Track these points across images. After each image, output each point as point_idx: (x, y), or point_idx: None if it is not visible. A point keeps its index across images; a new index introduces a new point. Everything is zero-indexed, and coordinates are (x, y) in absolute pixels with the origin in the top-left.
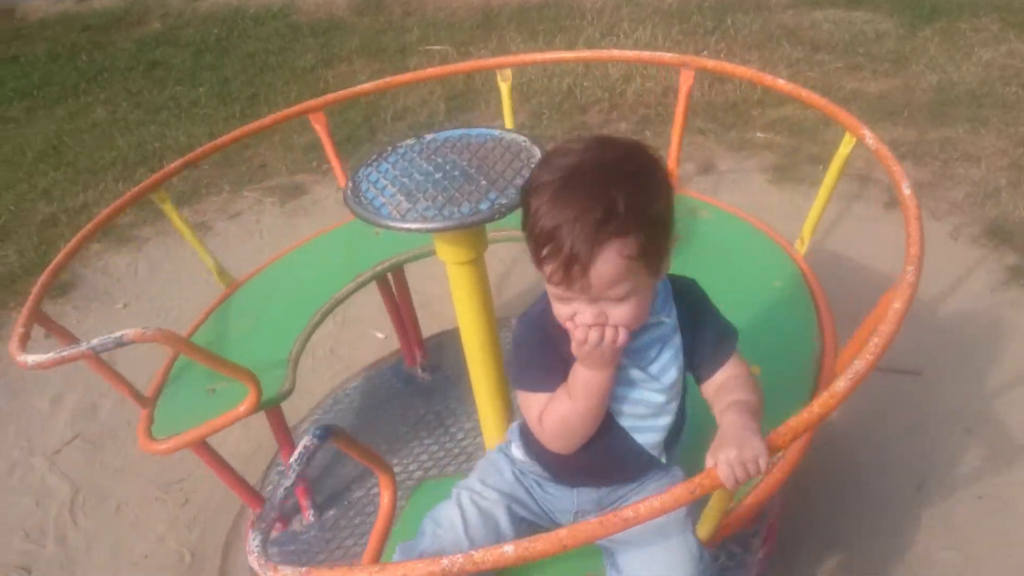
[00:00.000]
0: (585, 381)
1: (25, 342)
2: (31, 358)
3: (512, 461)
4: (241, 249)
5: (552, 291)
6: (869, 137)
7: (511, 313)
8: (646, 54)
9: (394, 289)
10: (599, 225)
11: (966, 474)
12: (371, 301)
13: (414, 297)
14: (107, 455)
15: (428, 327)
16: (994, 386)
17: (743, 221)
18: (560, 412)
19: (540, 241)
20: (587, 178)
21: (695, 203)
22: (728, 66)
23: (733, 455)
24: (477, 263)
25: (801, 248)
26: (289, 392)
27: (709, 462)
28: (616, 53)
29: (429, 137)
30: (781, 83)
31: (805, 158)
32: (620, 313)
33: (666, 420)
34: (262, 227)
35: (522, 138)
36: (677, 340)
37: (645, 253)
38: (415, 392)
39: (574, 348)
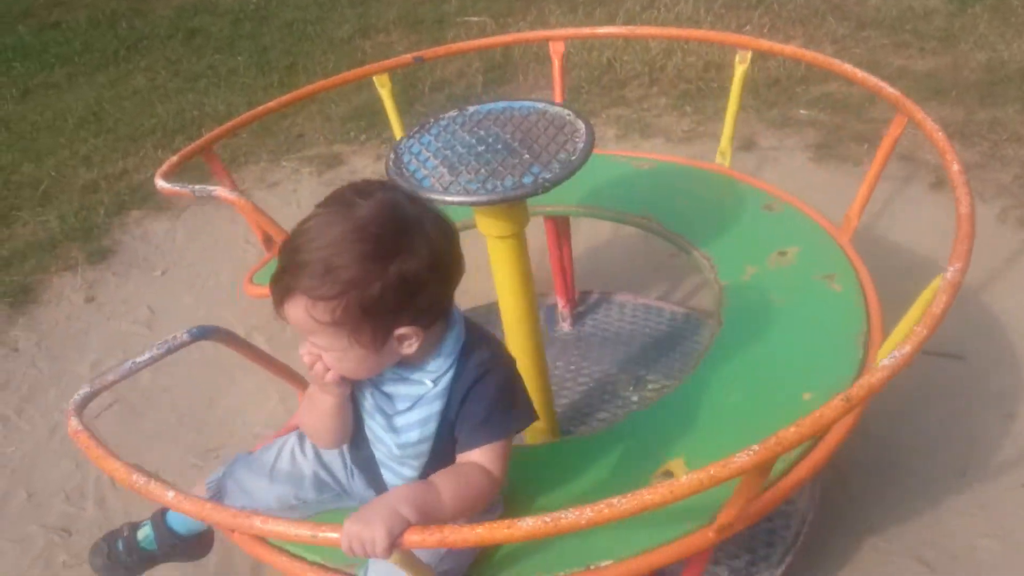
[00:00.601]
0: (310, 395)
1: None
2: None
3: None
4: (279, 218)
5: None
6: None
7: (550, 288)
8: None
9: None
10: (297, 276)
11: (1009, 461)
12: None
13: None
14: (145, 421)
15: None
16: None
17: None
18: (301, 416)
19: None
20: (333, 227)
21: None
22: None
23: (355, 530)
24: (518, 237)
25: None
26: None
27: (345, 524)
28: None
29: (472, 109)
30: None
31: (850, 136)
32: (326, 358)
33: (408, 472)
34: (299, 197)
35: (567, 112)
36: (437, 407)
37: (339, 324)
38: None
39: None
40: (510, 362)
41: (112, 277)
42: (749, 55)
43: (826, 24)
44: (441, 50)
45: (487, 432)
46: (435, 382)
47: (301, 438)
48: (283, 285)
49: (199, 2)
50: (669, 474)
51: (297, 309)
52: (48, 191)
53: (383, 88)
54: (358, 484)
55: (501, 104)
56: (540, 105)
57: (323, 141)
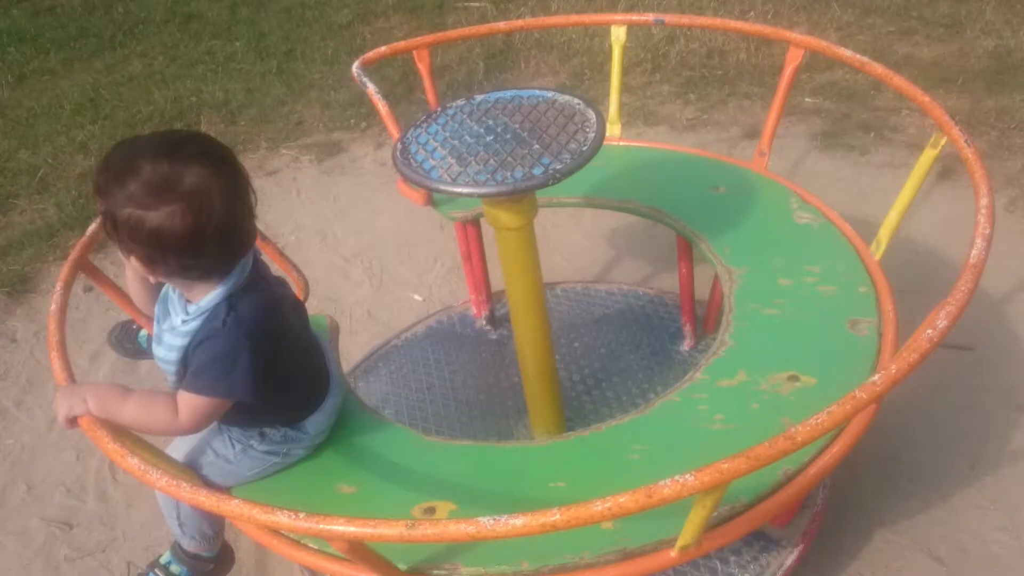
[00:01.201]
0: None
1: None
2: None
3: None
4: (279, 207)
5: None
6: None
7: (557, 278)
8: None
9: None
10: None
11: (1020, 454)
12: (410, 264)
13: (447, 261)
14: None
15: (460, 290)
16: None
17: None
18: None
19: None
20: (145, 149)
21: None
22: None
23: (56, 398)
24: (527, 228)
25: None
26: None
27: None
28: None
29: (480, 98)
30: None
31: (855, 124)
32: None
33: (168, 377)
34: (299, 185)
35: (576, 100)
36: (179, 342)
37: (118, 239)
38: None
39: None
40: (251, 339)
41: (110, 266)
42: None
43: (830, 11)
44: (685, 19)
45: (191, 382)
46: (184, 323)
47: None
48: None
49: None
50: None
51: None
52: (45, 179)
53: (616, 43)
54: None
55: (509, 92)
56: (549, 94)
57: (323, 128)
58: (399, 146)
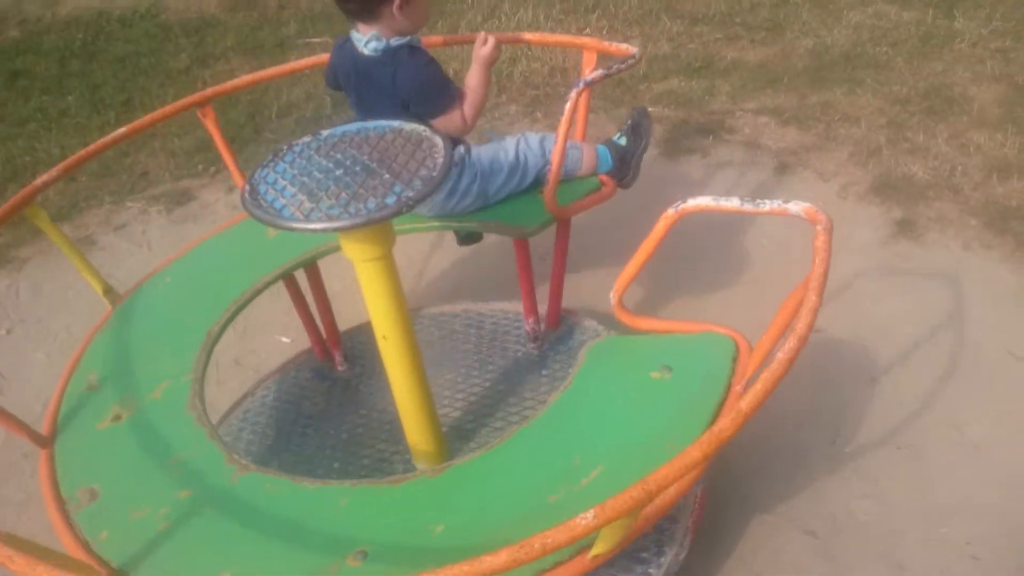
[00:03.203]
0: (485, 78)
1: None
2: None
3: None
4: (130, 262)
5: None
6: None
7: (423, 304)
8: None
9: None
10: None
11: (876, 424)
12: (272, 306)
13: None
14: None
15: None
16: (892, 336)
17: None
18: (475, 104)
19: None
20: None
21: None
22: None
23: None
24: (386, 258)
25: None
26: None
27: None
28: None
29: (326, 133)
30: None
31: (694, 129)
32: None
33: None
34: (150, 237)
35: (422, 128)
36: None
37: None
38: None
39: (484, 52)
40: None
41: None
42: None
43: (661, 23)
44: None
45: None
46: None
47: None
48: None
49: (20, 42)
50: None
51: None
52: None
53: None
54: None
55: (355, 125)
56: (395, 124)
57: (169, 177)
58: (247, 187)
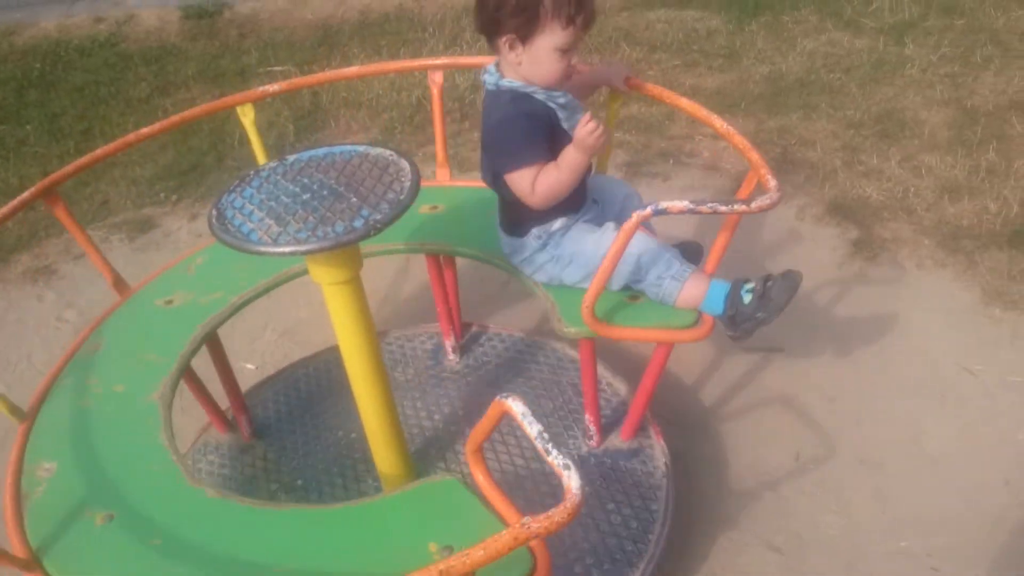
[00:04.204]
0: (577, 161)
1: None
2: None
3: (563, 231)
4: (91, 291)
5: (564, 44)
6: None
7: (390, 327)
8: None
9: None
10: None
11: (836, 440)
12: (239, 333)
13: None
14: None
15: (295, 354)
16: (850, 353)
17: None
18: (549, 182)
19: (575, 2)
20: None
21: None
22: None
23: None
24: (354, 282)
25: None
26: None
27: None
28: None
29: (292, 158)
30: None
31: (655, 153)
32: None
33: None
34: (111, 266)
35: (388, 152)
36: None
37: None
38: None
39: (587, 137)
40: None
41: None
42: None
43: (620, 50)
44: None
45: None
46: None
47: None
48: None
49: None
50: None
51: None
52: None
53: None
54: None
55: (322, 150)
56: (361, 148)
57: (131, 206)
58: (214, 212)
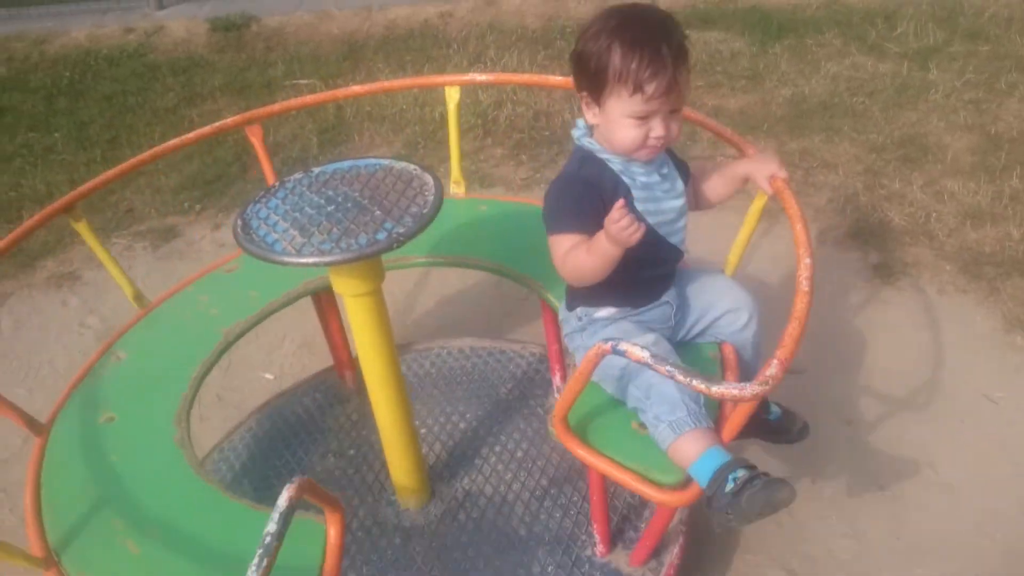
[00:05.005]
0: (605, 250)
1: None
2: None
3: (606, 322)
4: (114, 298)
5: (635, 111)
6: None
7: (410, 340)
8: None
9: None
10: (679, 49)
11: (854, 465)
12: (258, 343)
13: (296, 337)
14: None
15: (312, 365)
16: (869, 378)
17: None
18: (578, 261)
19: (644, 65)
20: (650, 22)
21: None
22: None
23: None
24: (376, 294)
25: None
26: None
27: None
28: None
29: (317, 170)
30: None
31: None
32: (677, 124)
33: (684, 221)
34: (135, 274)
35: (412, 166)
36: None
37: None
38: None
39: (611, 227)
40: None
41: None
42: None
43: None
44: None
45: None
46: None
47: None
48: (677, 59)
49: (7, 79)
50: None
51: (684, 70)
52: None
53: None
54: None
55: (347, 163)
56: (386, 161)
57: (155, 214)
58: (239, 222)
